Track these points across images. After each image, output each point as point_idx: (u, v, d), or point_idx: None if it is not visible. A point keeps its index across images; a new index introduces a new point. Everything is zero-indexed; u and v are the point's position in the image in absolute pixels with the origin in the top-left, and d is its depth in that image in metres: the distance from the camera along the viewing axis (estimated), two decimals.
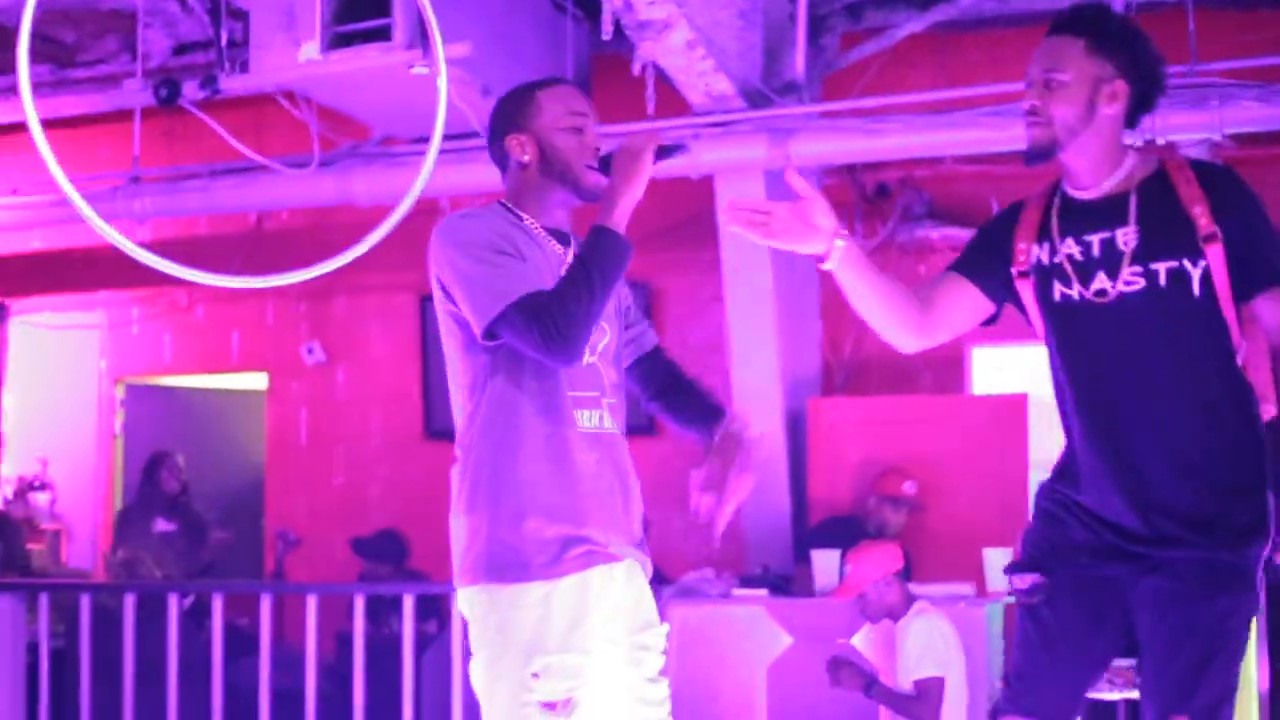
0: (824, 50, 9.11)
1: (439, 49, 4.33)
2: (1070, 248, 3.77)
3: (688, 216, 8.92)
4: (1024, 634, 3.86)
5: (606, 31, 7.70)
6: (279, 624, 8.71)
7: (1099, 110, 3.71)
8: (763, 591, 7.65)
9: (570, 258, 3.88)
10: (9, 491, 11.58)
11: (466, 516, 3.82)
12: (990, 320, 3.98)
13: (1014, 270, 3.85)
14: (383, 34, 7.69)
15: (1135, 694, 7.22)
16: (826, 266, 3.73)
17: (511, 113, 3.98)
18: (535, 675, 3.69)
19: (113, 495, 11.47)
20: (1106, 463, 3.71)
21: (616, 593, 3.87)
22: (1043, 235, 3.83)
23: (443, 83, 4.15)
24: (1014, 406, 8.61)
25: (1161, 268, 3.66)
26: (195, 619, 8.26)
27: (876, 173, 9.63)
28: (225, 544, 10.20)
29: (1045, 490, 3.93)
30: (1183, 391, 3.67)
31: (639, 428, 9.64)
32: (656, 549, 9.30)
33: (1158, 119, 7.78)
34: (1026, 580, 3.84)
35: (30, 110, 3.78)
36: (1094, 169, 3.76)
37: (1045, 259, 3.82)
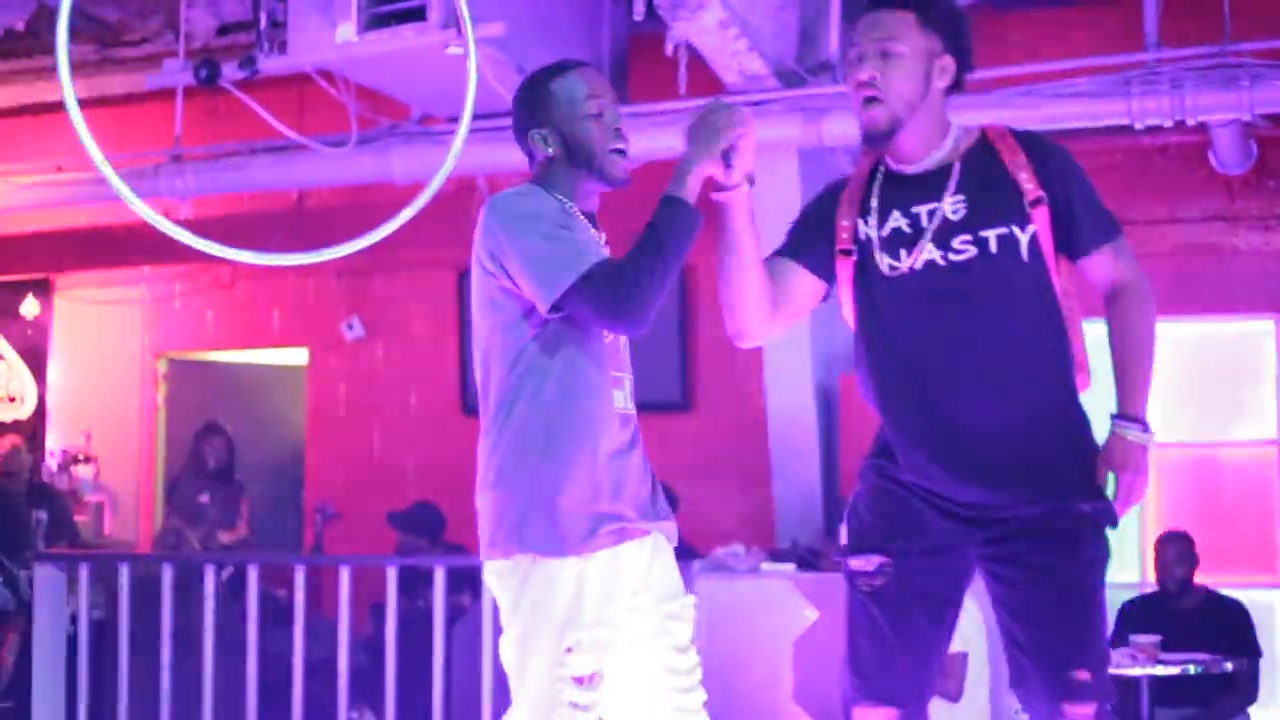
0: None
1: (469, 29, 4.39)
2: (897, 220, 3.76)
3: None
4: (869, 618, 3.76)
5: (639, 12, 7.75)
6: (316, 596, 8.82)
7: (933, 84, 3.73)
8: (790, 566, 7.71)
9: (604, 242, 3.94)
10: (54, 464, 11.72)
11: (499, 490, 3.84)
12: (824, 299, 3.95)
13: (837, 248, 3.84)
14: (418, 14, 7.78)
15: (1159, 669, 7.31)
16: (723, 197, 3.69)
17: (530, 106, 3.98)
18: (569, 650, 3.74)
19: (155, 468, 11.60)
20: (940, 434, 3.67)
21: (644, 564, 3.91)
22: (865, 211, 3.81)
23: (472, 64, 4.21)
24: None
25: (991, 234, 3.67)
26: (233, 590, 8.36)
27: None
28: (238, 540, 10.25)
29: (873, 468, 3.87)
30: (1016, 353, 3.67)
31: (672, 404, 9.81)
32: (687, 524, 9.37)
33: (1187, 98, 7.82)
34: (872, 562, 3.74)
35: (68, 89, 3.87)
36: (924, 144, 3.76)
37: (870, 234, 3.79)
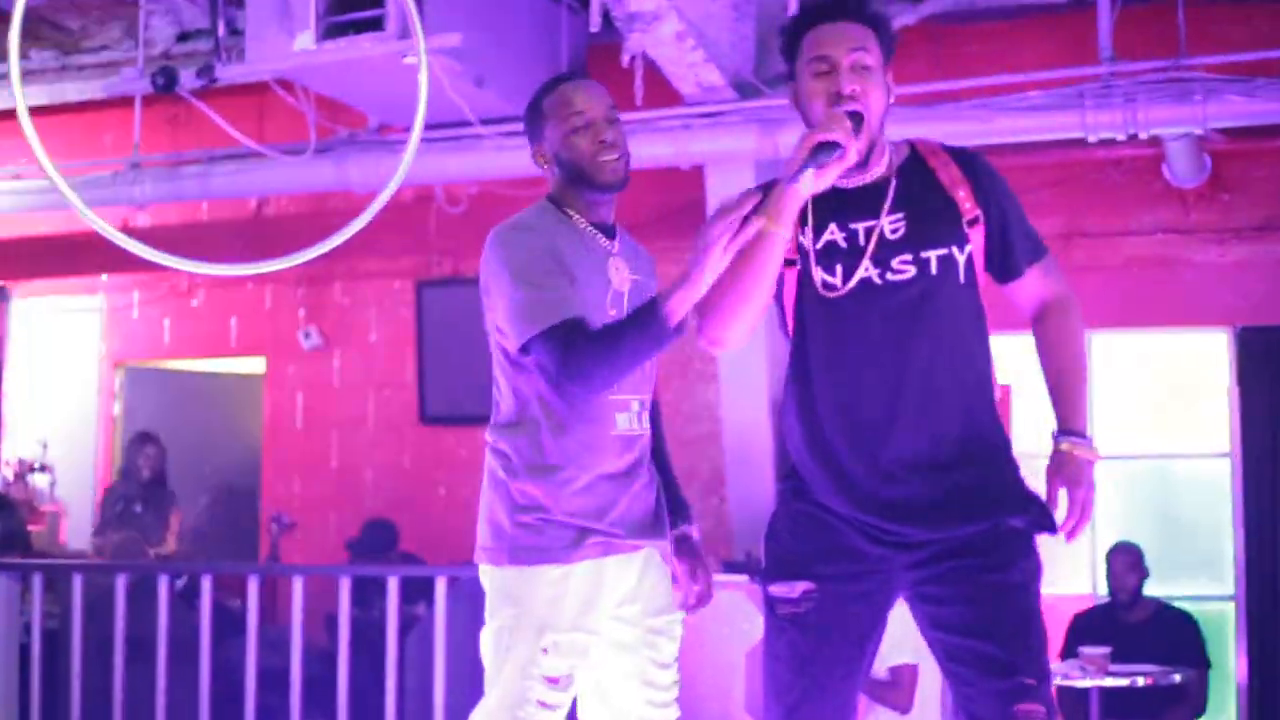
0: None
1: (420, 40, 4.40)
2: (833, 234, 3.62)
3: (678, 206, 8.98)
4: (790, 646, 3.63)
5: (595, 23, 7.76)
6: (271, 606, 8.81)
7: (888, 101, 3.64)
8: (744, 577, 7.74)
9: (616, 249, 4.03)
10: (9, 473, 11.67)
11: (491, 498, 3.98)
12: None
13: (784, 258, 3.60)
14: (376, 24, 7.78)
15: (1108, 681, 7.34)
16: (772, 229, 3.43)
17: (529, 125, 4.10)
18: (545, 650, 3.85)
19: (112, 478, 11.60)
20: (870, 478, 3.56)
21: (633, 579, 3.99)
22: (803, 220, 3.60)
23: (423, 74, 4.20)
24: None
25: (932, 255, 3.56)
26: (187, 600, 8.35)
27: None
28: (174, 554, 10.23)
29: (791, 491, 3.73)
30: (951, 378, 3.57)
31: None
32: None
33: (1140, 112, 7.86)
34: (796, 589, 3.60)
35: (20, 95, 3.86)
36: (871, 161, 3.64)
37: (808, 245, 3.63)
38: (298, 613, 7.38)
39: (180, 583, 8.40)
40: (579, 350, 3.70)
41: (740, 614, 7.43)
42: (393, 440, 10.95)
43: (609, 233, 4.05)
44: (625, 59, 8.12)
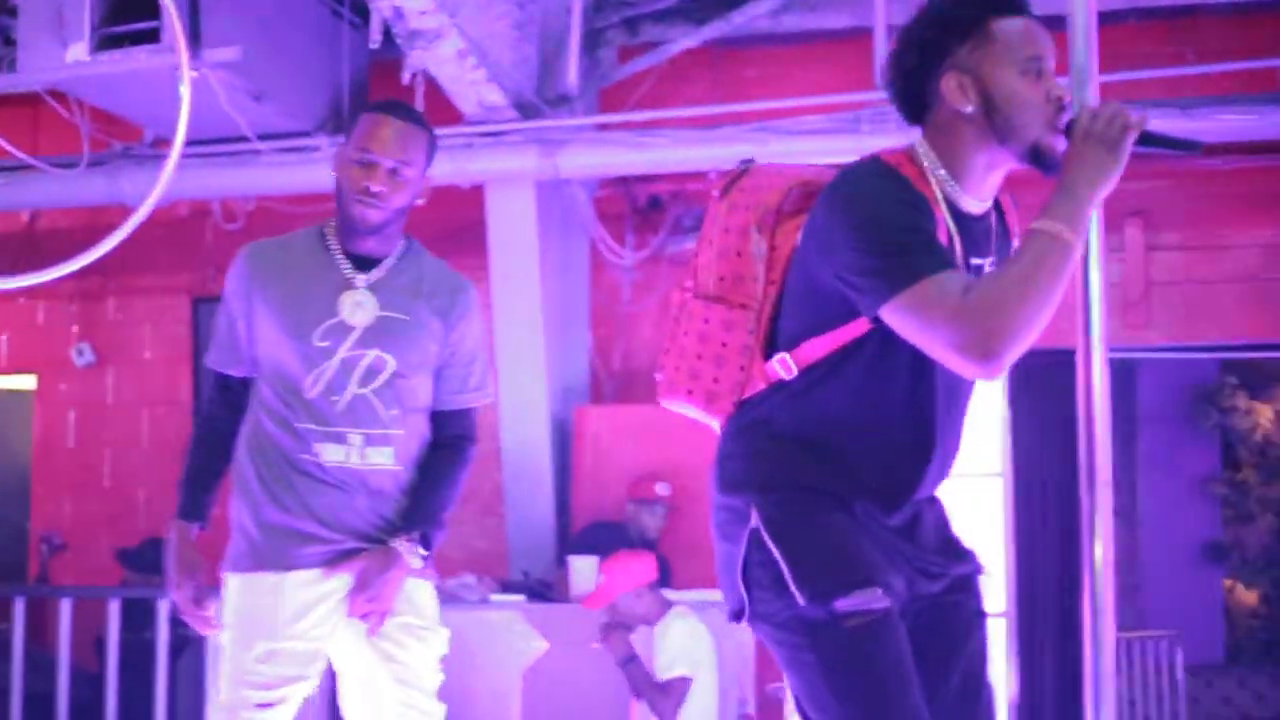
0: (600, 63, 9.20)
1: (183, 53, 4.34)
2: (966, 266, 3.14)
3: (457, 225, 8.95)
4: (901, 644, 3.06)
5: (375, 40, 7.72)
6: (39, 629, 8.61)
7: None
8: (520, 597, 7.73)
9: (364, 282, 4.10)
10: None
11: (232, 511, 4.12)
12: None
13: None
14: (151, 36, 7.67)
15: None
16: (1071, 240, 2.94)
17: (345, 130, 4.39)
18: (259, 660, 3.92)
19: None
20: (918, 480, 3.20)
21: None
22: (950, 242, 3.11)
23: (185, 88, 4.16)
24: None
25: None
26: None
27: (650, 185, 9.71)
28: None
29: (835, 500, 3.12)
30: (966, 413, 3.34)
31: None
32: None
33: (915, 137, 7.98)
34: (877, 594, 3.02)
35: None
36: None
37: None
38: (65, 635, 7.24)
39: None
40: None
41: (517, 635, 7.41)
42: (168, 461, 10.75)
43: (364, 264, 4.06)
44: (406, 76, 8.09)
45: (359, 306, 4.01)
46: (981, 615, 3.33)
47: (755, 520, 3.12)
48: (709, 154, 8.53)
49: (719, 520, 3.25)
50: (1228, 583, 13.42)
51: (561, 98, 8.67)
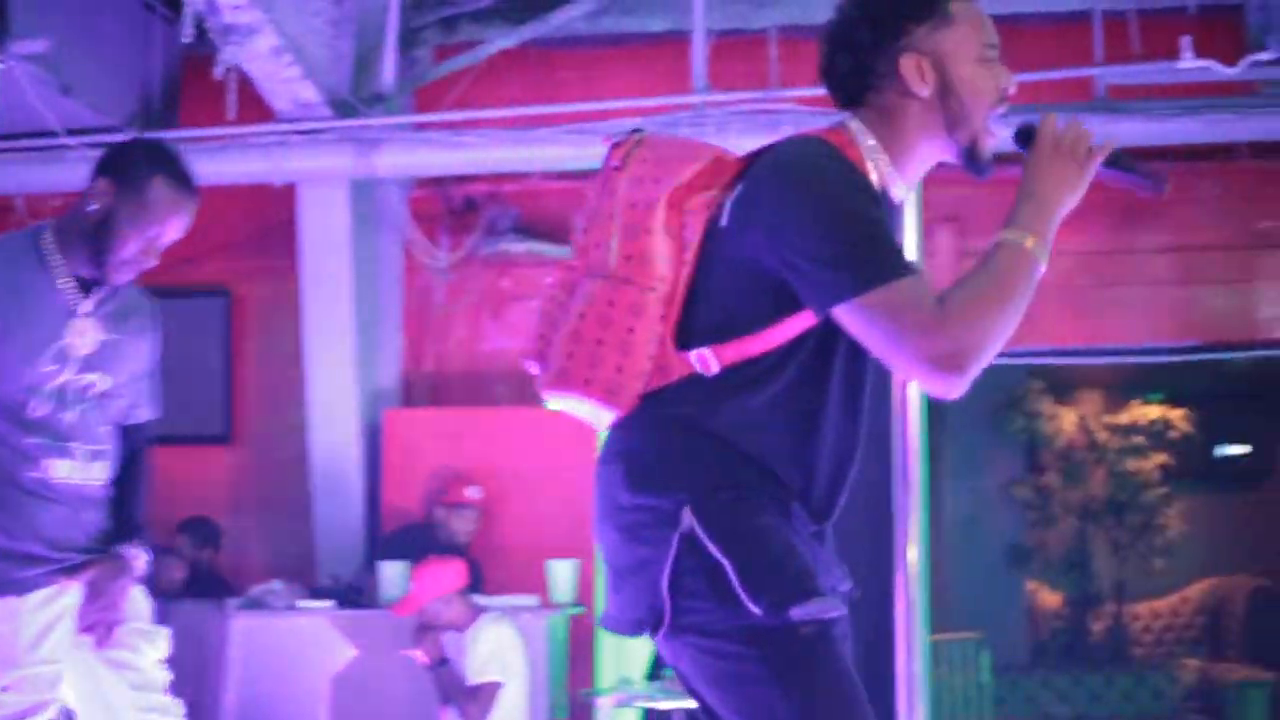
0: (416, 62, 9.14)
1: None
2: None
3: (269, 224, 8.83)
4: (845, 654, 2.91)
5: (187, 34, 7.58)
6: None
7: None
8: (329, 603, 7.63)
9: (90, 308, 4.12)
10: None
11: None
12: None
13: None
14: None
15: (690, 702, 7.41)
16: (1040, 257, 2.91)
17: (121, 170, 4.10)
18: (4, 689, 3.87)
19: None
20: (844, 487, 3.04)
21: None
22: None
23: None
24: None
25: None
26: None
27: (465, 186, 9.64)
28: None
29: (776, 505, 2.91)
30: None
31: (212, 436, 9.59)
32: (226, 560, 9.17)
33: (732, 140, 7.95)
34: (840, 607, 2.89)
35: None
36: None
37: None
38: None
39: None
40: None
41: (325, 641, 7.33)
42: None
43: (85, 285, 4.08)
44: (219, 72, 7.94)
45: (83, 334, 4.08)
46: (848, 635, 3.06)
47: (689, 523, 2.82)
48: (526, 155, 8.49)
49: (626, 522, 2.92)
50: (1032, 585, 13.66)
51: (377, 96, 8.59)
